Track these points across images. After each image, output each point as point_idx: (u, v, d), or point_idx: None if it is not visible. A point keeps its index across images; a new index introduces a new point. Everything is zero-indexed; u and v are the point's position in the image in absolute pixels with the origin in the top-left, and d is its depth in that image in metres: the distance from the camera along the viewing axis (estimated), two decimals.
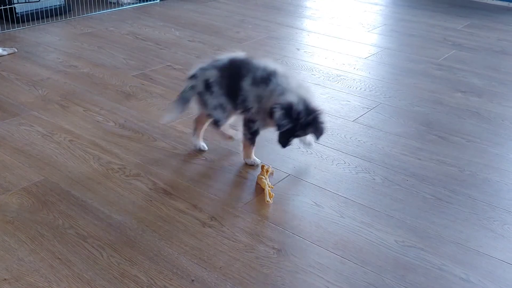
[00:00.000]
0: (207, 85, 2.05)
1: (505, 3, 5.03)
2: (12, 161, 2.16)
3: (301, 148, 2.32)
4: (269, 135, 2.42)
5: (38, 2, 3.99)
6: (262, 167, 2.09)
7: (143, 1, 4.69)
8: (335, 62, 3.40)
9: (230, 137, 2.25)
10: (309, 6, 4.87)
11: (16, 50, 3.37)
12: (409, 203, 1.98)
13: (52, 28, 3.89)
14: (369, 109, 2.73)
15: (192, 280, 1.58)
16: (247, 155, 2.18)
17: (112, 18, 4.22)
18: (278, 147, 2.32)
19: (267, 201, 1.94)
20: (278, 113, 1.90)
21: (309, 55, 3.53)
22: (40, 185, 2.01)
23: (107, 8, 4.44)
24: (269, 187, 1.98)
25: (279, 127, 1.93)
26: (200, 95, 2.09)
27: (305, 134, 2.03)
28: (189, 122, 2.50)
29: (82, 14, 4.23)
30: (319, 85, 3.02)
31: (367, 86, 3.03)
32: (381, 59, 3.49)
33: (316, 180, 2.10)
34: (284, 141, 2.01)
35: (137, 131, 2.43)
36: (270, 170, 2.10)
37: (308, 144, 2.25)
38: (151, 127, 2.47)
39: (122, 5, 4.54)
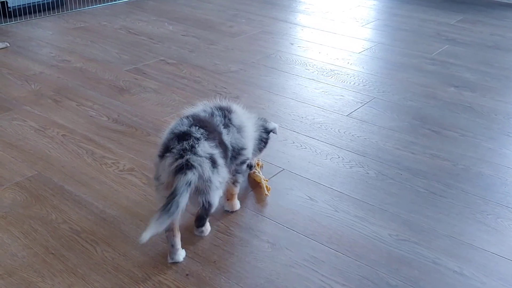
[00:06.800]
0: None
1: None
2: (4, 156, 2.15)
3: (295, 143, 2.32)
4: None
5: None
6: None
7: None
8: (328, 56, 3.40)
9: None
10: (302, 0, 4.86)
11: (8, 45, 3.35)
12: (402, 197, 1.98)
13: (45, 23, 3.86)
14: (363, 104, 2.73)
15: (187, 274, 1.58)
16: None
17: (105, 12, 4.20)
18: (271, 142, 2.32)
19: (266, 194, 1.93)
20: None
21: (303, 49, 3.53)
22: (33, 180, 2.00)
23: (100, 3, 4.41)
24: (264, 180, 1.98)
25: None
26: None
27: None
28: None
29: (75, 8, 4.21)
30: (313, 79, 3.02)
31: (360, 80, 3.03)
32: (375, 54, 3.49)
33: (310, 174, 2.10)
34: None
35: (130, 126, 2.42)
36: (260, 163, 2.09)
37: None
38: (144, 121, 2.46)
39: (115, 0, 4.51)
